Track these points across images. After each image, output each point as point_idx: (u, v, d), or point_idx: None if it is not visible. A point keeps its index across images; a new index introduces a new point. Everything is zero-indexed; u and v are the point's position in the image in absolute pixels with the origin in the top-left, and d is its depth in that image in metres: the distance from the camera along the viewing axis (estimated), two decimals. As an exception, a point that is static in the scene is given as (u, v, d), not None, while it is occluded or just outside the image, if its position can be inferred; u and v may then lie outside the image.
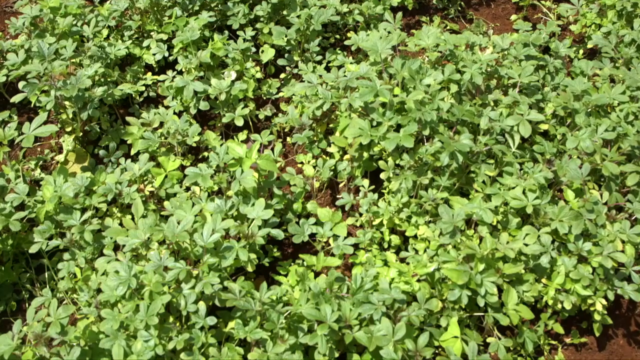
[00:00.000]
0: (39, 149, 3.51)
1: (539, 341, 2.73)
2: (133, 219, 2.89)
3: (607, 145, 3.02)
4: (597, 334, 2.76)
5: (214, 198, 2.81)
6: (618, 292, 2.66)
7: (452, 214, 2.65)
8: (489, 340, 2.57)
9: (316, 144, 3.28)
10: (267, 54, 3.71)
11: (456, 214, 2.65)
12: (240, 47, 3.59)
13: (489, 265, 2.55)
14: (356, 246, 2.89)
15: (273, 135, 3.19)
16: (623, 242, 2.69)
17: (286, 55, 3.78)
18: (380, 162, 3.00)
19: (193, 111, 3.41)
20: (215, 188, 3.04)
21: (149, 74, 3.69)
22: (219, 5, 3.91)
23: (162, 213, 2.89)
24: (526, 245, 2.64)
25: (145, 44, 3.71)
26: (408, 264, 2.74)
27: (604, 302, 2.65)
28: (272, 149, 3.08)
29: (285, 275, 2.83)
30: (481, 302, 2.51)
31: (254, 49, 3.71)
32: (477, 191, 2.89)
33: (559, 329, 2.72)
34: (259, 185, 2.94)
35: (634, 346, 2.88)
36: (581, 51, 3.93)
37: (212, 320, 2.40)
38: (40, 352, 2.38)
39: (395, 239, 2.92)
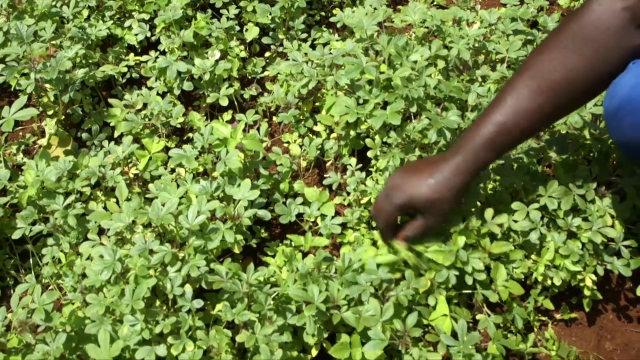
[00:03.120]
0: (20, 133, 3.44)
1: (528, 317, 2.72)
2: (117, 202, 2.85)
3: (596, 120, 2.99)
4: (587, 309, 2.75)
5: (199, 179, 2.77)
6: (608, 267, 2.65)
7: (440, 192, 2.61)
8: (478, 317, 2.55)
9: (302, 122, 3.23)
10: (252, 32, 3.65)
11: (444, 192, 2.61)
12: (224, 26, 3.52)
13: (475, 243, 2.52)
14: (344, 225, 2.85)
15: (258, 115, 3.15)
16: (612, 217, 2.68)
17: (271, 33, 3.71)
18: (368, 140, 2.96)
19: (177, 92, 3.34)
20: (201, 169, 2.99)
21: (131, 54, 3.62)
22: (202, -17, 3.83)
23: (146, 196, 2.85)
24: (515, 221, 2.62)
25: (126, 24, 3.64)
26: (396, 242, 2.72)
27: (594, 277, 2.63)
28: (258, 129, 3.03)
29: (273, 256, 2.80)
30: (469, 280, 2.49)
31: (237, 28, 3.64)
32: (465, 168, 2.86)
33: (548, 305, 2.71)
34: (245, 166, 2.89)
35: (623, 320, 2.88)
36: (570, 25, 3.88)
37: (198, 303, 2.37)
38: (26, 338, 2.34)
39: (384, 218, 2.89)
